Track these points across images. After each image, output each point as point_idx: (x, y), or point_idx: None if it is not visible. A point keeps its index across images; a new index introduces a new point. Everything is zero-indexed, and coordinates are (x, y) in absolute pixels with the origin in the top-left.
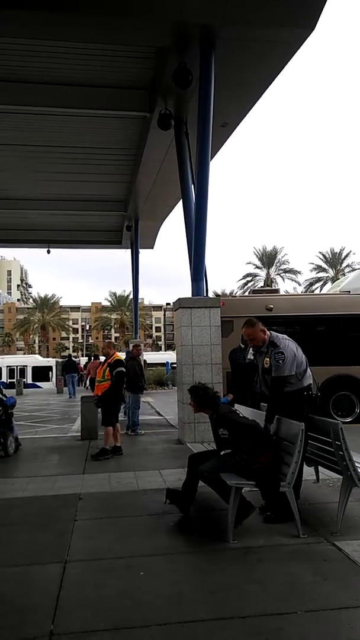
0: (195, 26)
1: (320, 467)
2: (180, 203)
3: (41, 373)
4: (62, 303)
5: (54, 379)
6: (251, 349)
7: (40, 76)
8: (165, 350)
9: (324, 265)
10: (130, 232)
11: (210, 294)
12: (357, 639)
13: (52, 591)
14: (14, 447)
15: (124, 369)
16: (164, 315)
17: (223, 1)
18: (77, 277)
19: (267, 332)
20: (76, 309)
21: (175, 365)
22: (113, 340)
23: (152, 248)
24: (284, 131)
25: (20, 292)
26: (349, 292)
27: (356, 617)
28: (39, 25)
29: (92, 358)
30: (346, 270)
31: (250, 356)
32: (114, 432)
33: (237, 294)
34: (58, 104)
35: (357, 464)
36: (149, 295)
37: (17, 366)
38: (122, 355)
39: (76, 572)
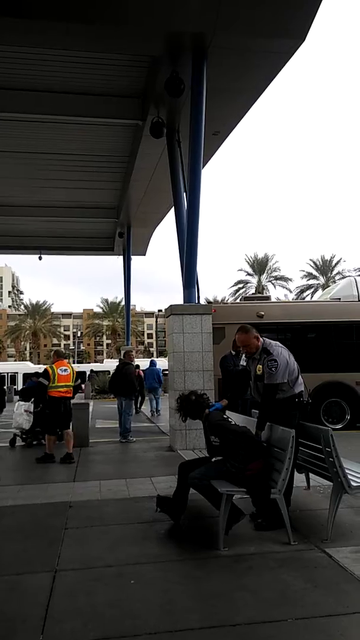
0: (187, 35)
1: (311, 474)
2: (173, 210)
3: None
4: (53, 310)
5: None
6: (244, 356)
7: (33, 84)
8: (157, 357)
9: (315, 273)
10: (122, 239)
11: (202, 301)
12: None
13: (41, 600)
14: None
15: (42, 379)
16: (156, 321)
17: (215, 11)
18: (68, 283)
19: (261, 339)
20: (68, 315)
21: (167, 372)
22: (107, 346)
23: (144, 255)
24: (276, 139)
25: (12, 298)
26: (340, 299)
27: (347, 625)
28: (33, 34)
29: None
30: (337, 277)
31: (243, 362)
32: (64, 439)
33: (228, 301)
34: (50, 112)
35: (347, 471)
36: (141, 301)
37: (7, 373)
38: (113, 362)
39: (66, 581)
